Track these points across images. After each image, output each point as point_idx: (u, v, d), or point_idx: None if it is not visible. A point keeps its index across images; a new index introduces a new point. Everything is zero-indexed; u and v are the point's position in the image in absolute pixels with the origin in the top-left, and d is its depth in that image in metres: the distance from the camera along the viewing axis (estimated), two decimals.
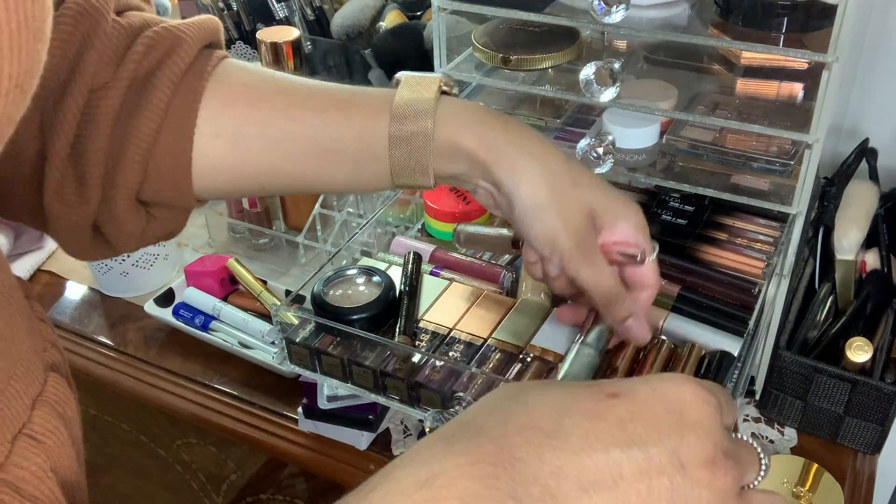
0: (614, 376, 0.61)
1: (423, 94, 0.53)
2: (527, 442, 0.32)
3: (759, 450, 0.36)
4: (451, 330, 0.65)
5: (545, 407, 0.33)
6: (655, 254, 0.58)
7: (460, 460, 0.31)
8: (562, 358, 0.61)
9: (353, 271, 0.69)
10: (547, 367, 0.62)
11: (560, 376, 0.58)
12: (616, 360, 0.62)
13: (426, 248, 0.75)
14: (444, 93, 0.54)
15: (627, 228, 0.56)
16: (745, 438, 0.36)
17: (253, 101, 0.52)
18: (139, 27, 0.50)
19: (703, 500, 0.32)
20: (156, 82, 0.49)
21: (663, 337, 0.64)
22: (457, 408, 0.59)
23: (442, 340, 0.64)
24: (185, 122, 0.50)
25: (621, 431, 0.32)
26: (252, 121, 0.52)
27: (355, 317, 0.64)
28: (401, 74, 0.55)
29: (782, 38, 0.68)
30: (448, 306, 0.68)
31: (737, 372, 0.60)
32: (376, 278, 0.68)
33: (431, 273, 0.72)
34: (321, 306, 0.65)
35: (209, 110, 0.51)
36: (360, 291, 0.67)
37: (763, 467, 0.36)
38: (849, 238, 0.82)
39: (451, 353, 0.63)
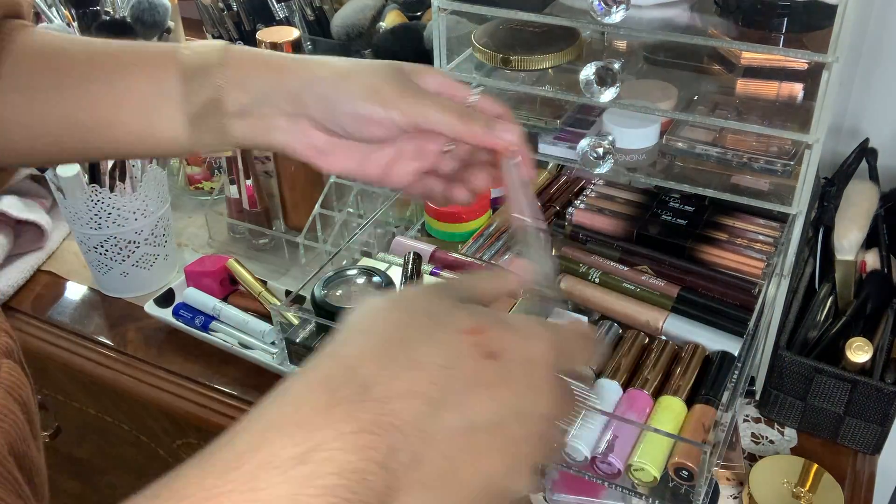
0: (619, 377, 0.61)
1: (210, 51, 0.52)
2: (407, 409, 0.32)
3: (583, 396, 0.40)
4: None
5: (431, 367, 0.34)
6: (479, 91, 0.56)
7: (343, 428, 0.30)
8: None
9: (353, 272, 0.69)
10: None
11: None
12: (620, 361, 0.63)
13: (426, 249, 0.75)
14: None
15: (439, 77, 0.55)
16: (573, 385, 0.39)
17: (42, 64, 0.53)
18: None
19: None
20: None
21: (663, 337, 0.64)
22: None
23: None
24: None
25: (490, 398, 0.34)
26: (42, 80, 0.52)
27: None
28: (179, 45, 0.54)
29: (782, 38, 0.68)
30: None
31: (737, 372, 0.60)
32: (376, 279, 0.68)
33: (431, 273, 0.72)
34: (321, 307, 0.65)
35: (3, 79, 0.52)
36: (361, 291, 0.67)
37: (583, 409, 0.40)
38: (849, 238, 0.82)
39: None
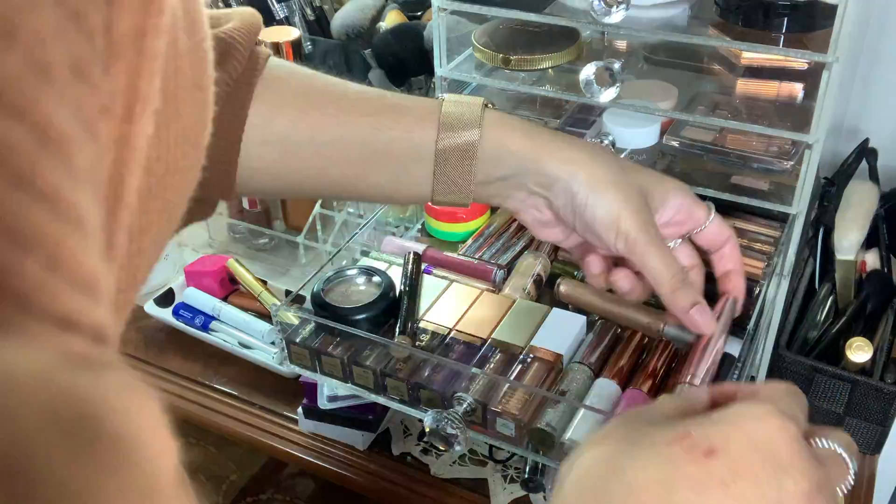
0: (618, 377, 0.61)
1: (469, 109, 0.54)
2: None
3: (844, 455, 0.36)
4: (450, 330, 0.65)
5: (649, 484, 0.34)
6: (713, 212, 0.59)
7: None
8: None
9: (353, 271, 0.69)
10: (547, 367, 0.62)
11: None
12: (619, 360, 0.62)
13: (418, 247, 0.75)
14: (486, 106, 0.55)
15: (680, 198, 0.57)
16: (826, 445, 0.36)
17: (303, 108, 0.53)
18: None
19: None
20: None
21: (663, 338, 0.64)
22: (457, 408, 0.58)
23: (442, 341, 0.64)
24: (233, 129, 0.51)
25: (726, 497, 0.33)
26: (303, 128, 0.53)
27: (356, 317, 0.64)
28: (445, 95, 0.56)
29: (782, 39, 0.68)
30: (448, 306, 0.68)
31: (737, 372, 0.60)
32: (376, 278, 0.68)
33: (424, 272, 0.72)
34: (321, 306, 0.65)
35: (258, 117, 0.51)
36: (361, 291, 0.67)
37: (851, 472, 0.36)
38: (849, 238, 0.82)
39: (450, 355, 0.63)
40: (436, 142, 0.53)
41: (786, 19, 0.67)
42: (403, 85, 1.05)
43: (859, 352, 0.73)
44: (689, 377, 0.57)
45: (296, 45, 0.97)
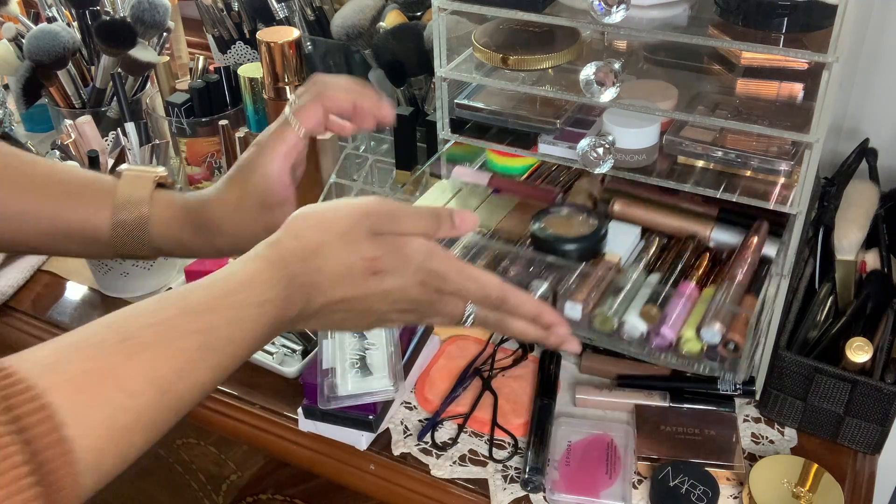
0: (668, 273, 0.73)
1: (138, 190, 0.65)
2: (312, 291, 0.54)
3: (467, 309, 0.59)
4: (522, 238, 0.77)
5: (330, 274, 0.54)
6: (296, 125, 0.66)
7: (281, 291, 0.52)
8: None
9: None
10: (607, 267, 0.73)
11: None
12: (668, 259, 0.75)
13: (484, 175, 0.86)
14: (160, 185, 0.66)
15: (273, 156, 0.66)
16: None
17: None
18: None
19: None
20: None
21: (711, 244, 0.76)
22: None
23: (516, 243, 0.77)
24: None
25: (364, 300, 0.55)
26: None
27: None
28: (122, 167, 0.67)
29: (782, 39, 0.68)
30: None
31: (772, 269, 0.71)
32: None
33: (493, 192, 0.84)
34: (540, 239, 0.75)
35: None
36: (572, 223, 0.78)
37: (466, 313, 0.59)
38: (849, 238, 0.82)
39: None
40: (110, 222, 0.64)
41: (786, 19, 0.67)
42: (403, 85, 1.05)
43: (859, 352, 0.73)
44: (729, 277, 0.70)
45: (296, 45, 0.97)
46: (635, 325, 0.68)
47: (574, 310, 0.69)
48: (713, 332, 0.64)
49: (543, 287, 0.71)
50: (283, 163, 0.64)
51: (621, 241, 0.77)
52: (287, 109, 0.65)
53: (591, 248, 0.74)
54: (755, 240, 0.74)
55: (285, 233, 0.54)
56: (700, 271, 0.73)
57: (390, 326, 0.61)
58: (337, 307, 0.55)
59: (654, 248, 0.77)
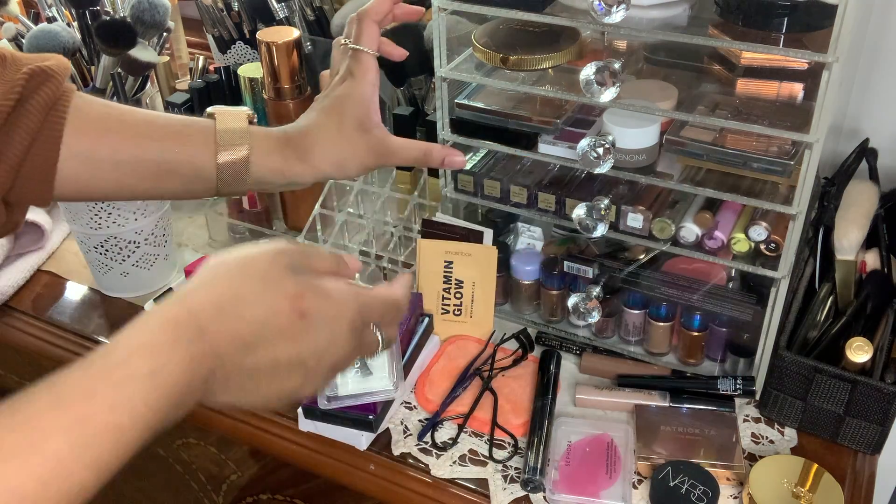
0: None
1: (236, 125, 0.68)
2: (228, 347, 0.46)
3: (380, 340, 0.55)
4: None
5: (253, 321, 0.47)
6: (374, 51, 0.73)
7: (182, 355, 0.44)
8: None
9: None
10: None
11: None
12: None
13: None
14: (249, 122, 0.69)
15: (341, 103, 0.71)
16: (376, 334, 0.55)
17: (102, 132, 0.65)
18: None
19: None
20: (29, 108, 0.61)
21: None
22: (599, 204, 0.77)
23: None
24: (50, 145, 0.62)
25: (293, 346, 0.48)
26: (102, 147, 0.64)
27: None
28: (212, 109, 0.69)
29: (782, 38, 0.68)
30: None
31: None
32: None
33: None
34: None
35: (67, 136, 0.63)
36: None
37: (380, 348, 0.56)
38: (849, 238, 0.82)
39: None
40: (215, 161, 0.67)
41: (786, 19, 0.67)
42: (403, 85, 1.05)
43: (859, 352, 0.73)
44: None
45: (296, 45, 0.97)
46: (691, 229, 0.76)
47: (636, 220, 0.77)
48: (760, 230, 0.73)
49: (605, 201, 0.77)
50: (373, 89, 0.72)
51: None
52: (347, 42, 0.73)
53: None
54: None
55: (196, 282, 0.49)
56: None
57: (312, 390, 0.51)
58: (260, 363, 0.47)
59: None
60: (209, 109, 0.69)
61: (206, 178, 0.68)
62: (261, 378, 0.48)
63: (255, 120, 0.70)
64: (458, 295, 0.87)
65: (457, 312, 0.88)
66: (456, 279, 0.87)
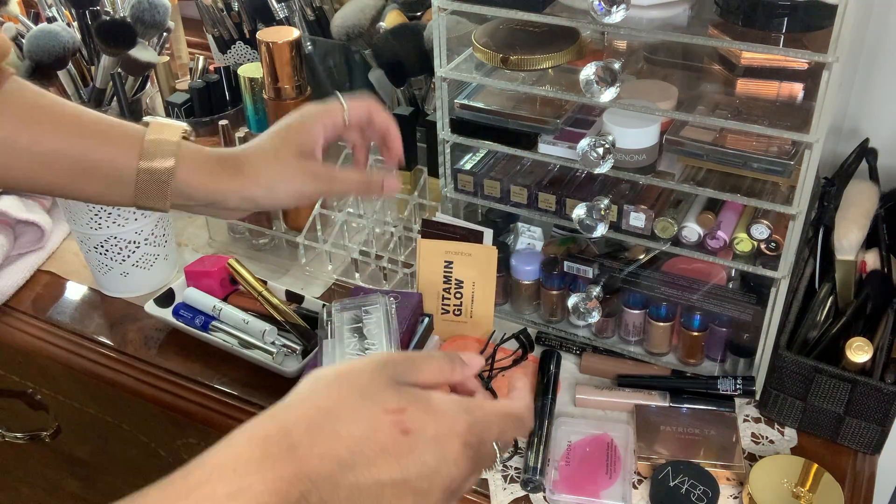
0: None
1: (168, 137, 0.65)
2: (322, 467, 0.42)
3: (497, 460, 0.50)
4: None
5: (350, 438, 0.43)
6: (344, 101, 0.71)
7: (268, 476, 0.40)
8: None
9: None
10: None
11: None
12: None
13: None
14: (184, 138, 0.66)
15: (316, 117, 0.70)
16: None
17: (25, 120, 0.63)
18: None
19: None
20: None
21: None
22: (598, 205, 0.77)
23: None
24: None
25: (396, 464, 0.43)
26: (22, 136, 0.62)
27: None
28: (148, 119, 0.67)
29: (782, 39, 0.68)
30: None
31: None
32: None
33: None
34: None
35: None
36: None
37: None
38: (849, 238, 0.82)
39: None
40: (137, 166, 0.64)
41: (786, 19, 0.67)
42: (403, 85, 1.05)
43: (859, 352, 0.73)
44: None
45: (296, 45, 0.97)
46: (693, 229, 0.76)
47: (638, 219, 0.77)
48: (762, 228, 0.73)
49: (605, 202, 0.77)
50: (323, 130, 0.69)
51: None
52: (340, 96, 0.71)
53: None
54: None
55: (291, 397, 0.46)
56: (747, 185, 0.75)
57: None
58: (361, 485, 0.43)
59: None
60: (146, 119, 0.67)
61: (125, 183, 0.65)
62: (361, 499, 0.43)
63: (192, 137, 0.68)
64: (458, 295, 0.87)
65: (457, 312, 0.88)
66: (456, 279, 0.87)
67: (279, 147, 0.68)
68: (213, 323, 0.90)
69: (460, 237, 0.86)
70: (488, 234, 0.86)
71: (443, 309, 0.88)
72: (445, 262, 0.87)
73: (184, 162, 0.65)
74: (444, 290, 0.88)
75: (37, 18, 1.21)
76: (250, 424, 0.43)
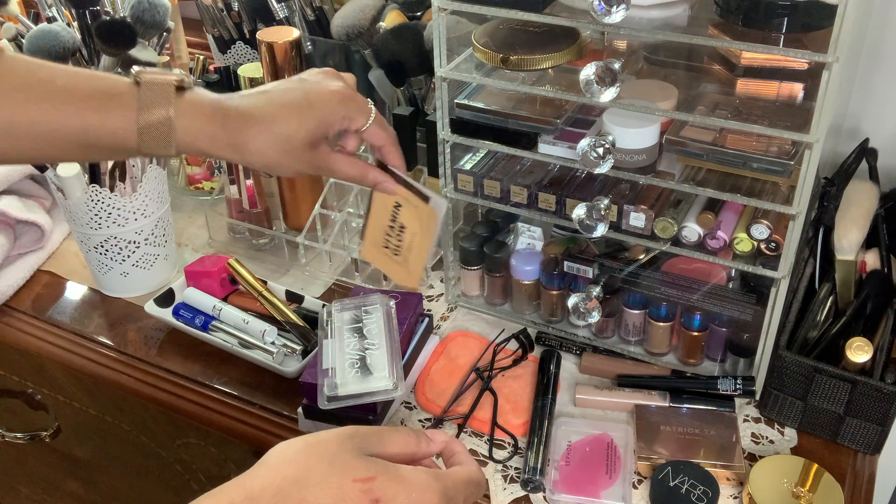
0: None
1: (162, 90, 0.62)
2: None
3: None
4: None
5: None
6: (374, 114, 0.71)
7: None
8: None
9: None
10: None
11: None
12: None
13: None
14: (179, 88, 0.63)
15: (341, 110, 0.68)
16: None
17: (20, 101, 0.59)
18: None
19: None
20: None
21: None
22: (598, 204, 0.77)
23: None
24: None
25: None
26: (21, 118, 0.59)
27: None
28: (138, 69, 0.63)
29: (782, 38, 0.68)
30: None
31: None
32: None
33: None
34: None
35: None
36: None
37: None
38: (849, 238, 0.82)
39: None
40: (136, 122, 0.61)
41: (786, 19, 0.67)
42: (403, 85, 1.05)
43: (859, 352, 0.73)
44: None
45: (296, 45, 0.97)
46: (693, 229, 0.76)
47: (638, 219, 0.77)
48: (762, 228, 0.73)
49: (605, 201, 0.77)
50: (337, 131, 0.69)
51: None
52: (374, 112, 0.71)
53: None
54: None
55: (260, 465, 0.47)
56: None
57: None
58: None
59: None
60: (135, 70, 0.63)
61: (131, 147, 0.63)
62: None
63: (188, 80, 0.65)
64: (400, 238, 0.83)
65: (395, 253, 0.84)
66: (401, 223, 0.83)
67: (292, 135, 0.65)
68: (213, 323, 0.90)
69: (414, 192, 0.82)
70: (438, 203, 0.77)
71: (384, 243, 0.83)
72: (395, 203, 0.83)
73: (183, 114, 0.62)
74: (389, 227, 0.84)
75: (37, 18, 1.21)
76: (217, 490, 0.44)
